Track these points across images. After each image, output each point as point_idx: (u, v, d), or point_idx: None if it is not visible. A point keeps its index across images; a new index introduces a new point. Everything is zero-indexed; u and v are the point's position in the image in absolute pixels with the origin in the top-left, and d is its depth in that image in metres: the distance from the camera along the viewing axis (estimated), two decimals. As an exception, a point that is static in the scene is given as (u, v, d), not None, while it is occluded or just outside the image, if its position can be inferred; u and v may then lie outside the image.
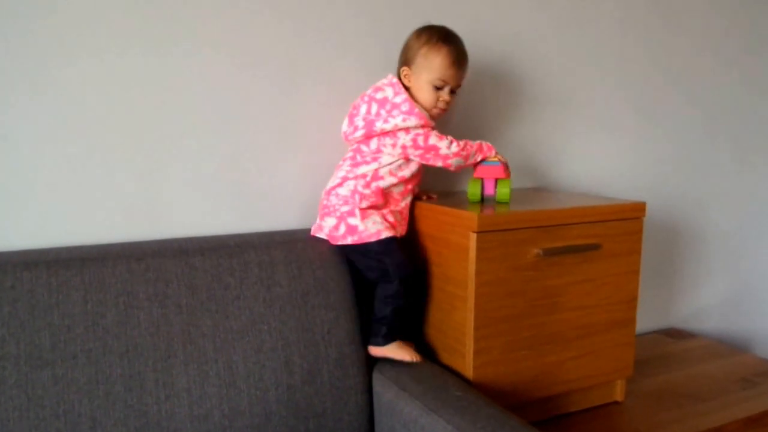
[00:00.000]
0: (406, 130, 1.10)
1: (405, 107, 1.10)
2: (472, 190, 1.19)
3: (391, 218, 1.14)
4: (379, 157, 1.13)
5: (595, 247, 1.19)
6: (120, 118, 1.09)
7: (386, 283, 1.13)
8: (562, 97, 1.54)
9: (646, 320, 1.74)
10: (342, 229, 1.12)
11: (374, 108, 1.12)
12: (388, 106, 1.11)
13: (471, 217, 1.07)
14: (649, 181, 1.71)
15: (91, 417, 0.89)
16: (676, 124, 1.74)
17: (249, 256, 1.08)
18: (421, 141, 1.11)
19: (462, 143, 1.14)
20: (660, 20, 1.65)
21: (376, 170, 1.13)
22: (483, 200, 1.20)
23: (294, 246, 1.12)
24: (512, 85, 1.46)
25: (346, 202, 1.12)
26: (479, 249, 1.07)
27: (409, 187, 1.18)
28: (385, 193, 1.14)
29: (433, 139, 1.12)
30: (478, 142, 1.17)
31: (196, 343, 0.99)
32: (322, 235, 1.16)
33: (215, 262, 1.05)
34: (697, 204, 1.81)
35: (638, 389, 1.40)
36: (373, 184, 1.12)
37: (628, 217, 1.24)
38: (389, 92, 1.12)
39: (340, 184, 1.13)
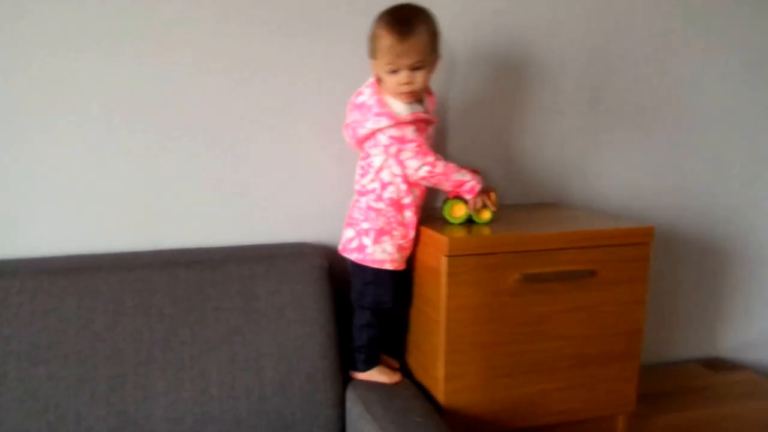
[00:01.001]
0: (381, 131, 1.06)
1: (375, 108, 1.05)
2: (448, 211, 1.14)
3: (405, 245, 1.11)
4: (372, 163, 1.09)
5: (587, 274, 1.11)
6: (120, 129, 1.16)
7: (360, 309, 1.14)
8: (586, 101, 1.41)
9: (683, 347, 1.60)
10: (355, 243, 1.11)
11: (356, 114, 1.09)
12: (364, 110, 1.06)
13: (442, 240, 1.05)
14: (691, 197, 1.53)
15: (76, 412, 1.00)
16: (722, 133, 1.54)
17: (231, 269, 1.14)
18: (393, 151, 1.06)
19: (442, 168, 1.07)
20: (706, 20, 1.46)
21: (379, 178, 1.09)
22: (471, 220, 1.15)
23: (276, 261, 1.16)
24: (528, 86, 1.37)
25: (366, 219, 1.10)
26: (450, 273, 1.04)
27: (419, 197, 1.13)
28: (402, 207, 1.09)
29: (406, 154, 1.07)
30: (468, 172, 1.09)
31: (175, 350, 1.07)
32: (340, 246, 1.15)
33: (198, 275, 1.12)
34: (748, 224, 1.61)
35: (651, 427, 1.29)
36: (385, 196, 1.08)
37: (631, 243, 1.14)
38: (366, 94, 1.08)
39: (357, 200, 1.13)
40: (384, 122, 1.04)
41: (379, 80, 1.07)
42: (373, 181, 1.09)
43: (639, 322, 1.18)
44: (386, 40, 0.99)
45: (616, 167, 1.47)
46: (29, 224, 1.15)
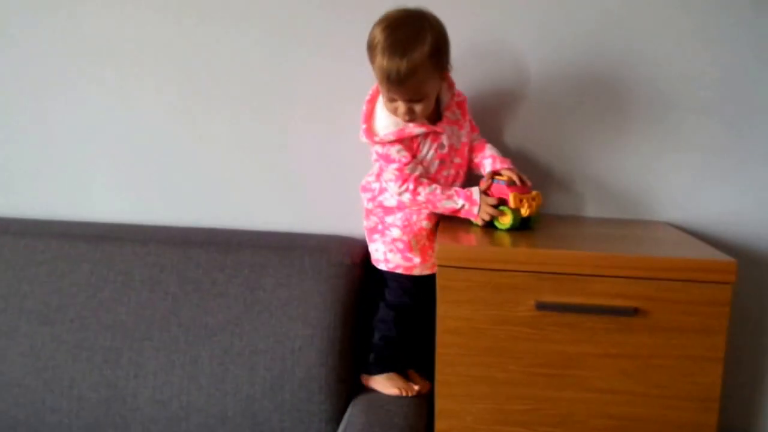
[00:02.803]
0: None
1: (362, 119, 0.98)
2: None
3: (399, 246, 1.02)
4: (374, 166, 1.04)
5: (628, 312, 0.90)
6: (170, 104, 1.18)
7: (380, 304, 1.05)
8: (664, 106, 1.16)
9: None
10: (375, 254, 1.05)
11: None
12: (363, 113, 1.00)
13: (441, 245, 0.90)
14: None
15: (71, 377, 1.01)
16: None
17: (243, 255, 1.09)
18: (375, 169, 1.00)
19: (425, 196, 0.96)
20: None
21: (380, 179, 1.02)
22: (523, 225, 0.99)
23: (292, 252, 1.09)
24: (593, 91, 1.16)
25: (365, 217, 1.06)
26: (442, 287, 0.89)
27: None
28: (391, 211, 1.02)
29: (387, 176, 0.97)
30: (461, 197, 0.97)
31: (172, 331, 1.04)
32: None
33: (210, 257, 1.08)
34: None
35: None
36: (379, 199, 1.03)
37: (702, 279, 0.90)
38: (369, 95, 1.00)
39: (370, 210, 1.05)
40: (364, 139, 0.96)
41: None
42: (375, 181, 1.03)
43: (714, 387, 0.92)
44: (381, 73, 0.88)
45: (687, 183, 1.19)
46: (73, 188, 1.21)
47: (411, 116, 0.93)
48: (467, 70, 1.07)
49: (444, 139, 0.99)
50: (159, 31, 1.16)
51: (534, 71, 1.13)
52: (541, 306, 0.87)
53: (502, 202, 0.97)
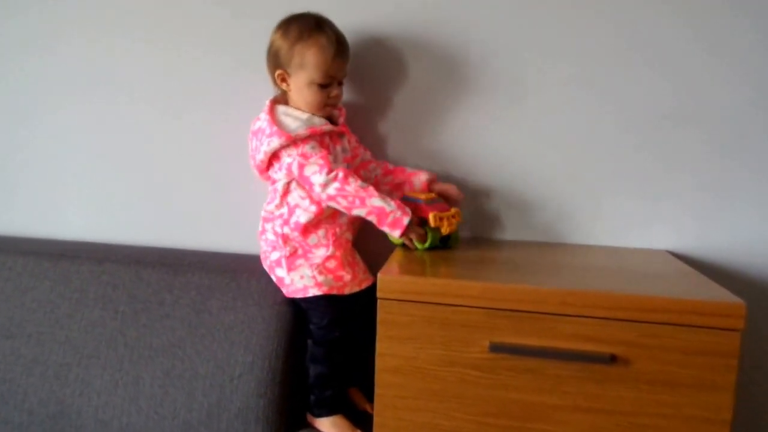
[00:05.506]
0: (280, 151, 0.92)
1: (267, 129, 0.92)
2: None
3: (331, 265, 0.94)
4: (277, 187, 0.96)
5: (601, 358, 0.74)
6: (131, 132, 1.19)
7: (308, 342, 0.99)
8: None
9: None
10: (273, 279, 1.00)
11: (254, 142, 0.97)
12: (259, 134, 0.94)
13: (384, 275, 0.81)
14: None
15: (24, 391, 1.03)
16: None
17: (192, 276, 1.06)
18: (295, 168, 0.91)
19: (354, 187, 0.87)
20: None
21: (286, 203, 0.96)
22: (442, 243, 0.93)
23: (239, 275, 1.04)
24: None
25: (275, 248, 0.98)
26: (384, 321, 0.81)
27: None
28: (311, 230, 0.95)
29: (310, 169, 0.90)
30: (396, 203, 0.89)
31: (118, 350, 1.03)
32: None
33: (160, 277, 1.06)
34: None
35: None
36: (292, 221, 0.95)
37: (699, 324, 0.73)
38: (263, 119, 0.95)
39: (263, 230, 1.00)
40: (276, 142, 0.90)
41: (276, 101, 0.96)
42: (279, 207, 0.96)
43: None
44: (323, 53, 0.91)
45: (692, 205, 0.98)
46: (42, 206, 1.25)
47: (340, 99, 0.96)
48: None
49: (345, 142, 0.97)
50: (117, 60, 1.17)
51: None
52: (496, 347, 0.77)
53: (421, 221, 0.92)
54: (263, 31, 0.99)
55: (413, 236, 0.91)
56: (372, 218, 0.89)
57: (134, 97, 1.17)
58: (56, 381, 1.03)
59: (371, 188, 0.89)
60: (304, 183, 0.92)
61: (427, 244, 0.92)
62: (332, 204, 0.91)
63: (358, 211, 0.89)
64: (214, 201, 1.16)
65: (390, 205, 0.88)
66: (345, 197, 0.88)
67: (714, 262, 1.01)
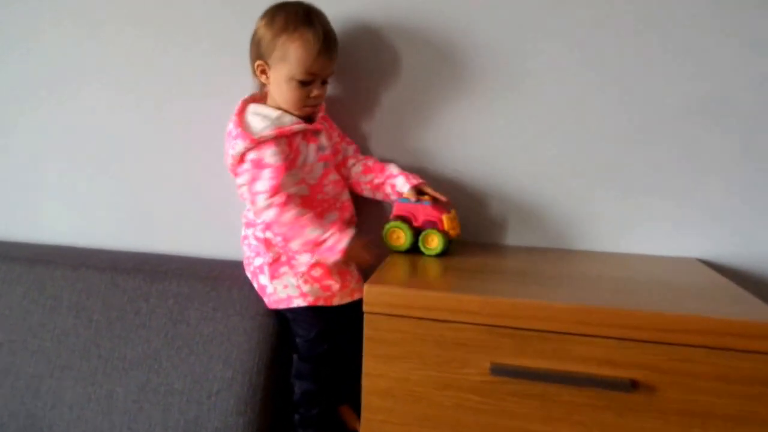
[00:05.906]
0: (245, 154, 0.83)
1: (234, 132, 0.84)
2: (422, 241, 0.86)
3: (316, 274, 0.85)
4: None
5: (620, 385, 0.64)
6: (113, 140, 1.12)
7: (293, 357, 0.91)
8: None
9: None
10: (255, 286, 0.92)
11: (226, 145, 0.88)
12: (228, 137, 0.86)
13: (370, 286, 0.72)
14: None
15: (-6, 403, 0.97)
16: None
17: (170, 284, 0.98)
18: (246, 178, 0.83)
19: (291, 217, 0.80)
20: None
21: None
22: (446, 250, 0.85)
23: (219, 283, 0.96)
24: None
25: (257, 254, 0.91)
26: (370, 338, 0.73)
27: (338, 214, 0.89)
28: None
29: (259, 185, 0.82)
30: (336, 229, 0.81)
31: (91, 362, 0.96)
32: None
33: (136, 284, 0.99)
34: None
35: None
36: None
37: (737, 348, 0.63)
38: (232, 120, 0.87)
39: (245, 235, 0.93)
40: (240, 145, 0.82)
41: (253, 99, 0.88)
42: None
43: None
44: (311, 48, 0.82)
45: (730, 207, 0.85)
46: (8, 208, 1.19)
47: (322, 99, 0.88)
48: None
49: (323, 139, 0.88)
50: (95, 64, 1.10)
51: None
52: (498, 370, 0.69)
53: (409, 221, 0.85)
54: (246, 32, 0.89)
55: (352, 258, 0.82)
56: (304, 249, 0.83)
57: (112, 99, 1.10)
58: (27, 393, 0.97)
59: (309, 217, 0.82)
60: (249, 196, 0.84)
61: (438, 250, 0.84)
62: (269, 233, 0.86)
63: (291, 243, 0.83)
64: (195, 204, 1.09)
65: (326, 234, 0.81)
66: (278, 223, 0.82)
67: (755, 272, 0.88)
